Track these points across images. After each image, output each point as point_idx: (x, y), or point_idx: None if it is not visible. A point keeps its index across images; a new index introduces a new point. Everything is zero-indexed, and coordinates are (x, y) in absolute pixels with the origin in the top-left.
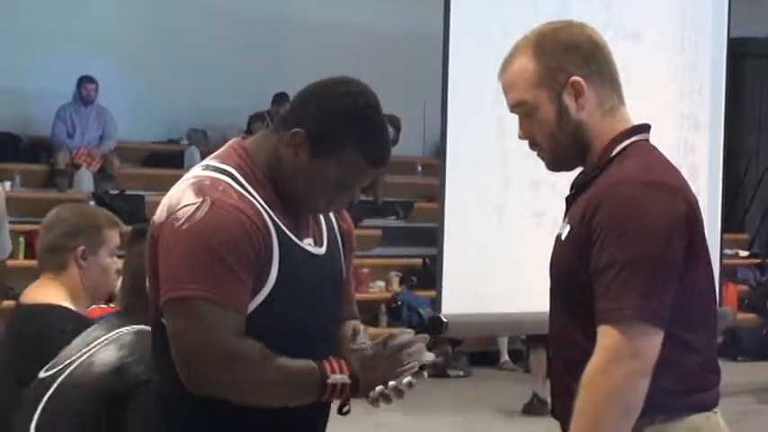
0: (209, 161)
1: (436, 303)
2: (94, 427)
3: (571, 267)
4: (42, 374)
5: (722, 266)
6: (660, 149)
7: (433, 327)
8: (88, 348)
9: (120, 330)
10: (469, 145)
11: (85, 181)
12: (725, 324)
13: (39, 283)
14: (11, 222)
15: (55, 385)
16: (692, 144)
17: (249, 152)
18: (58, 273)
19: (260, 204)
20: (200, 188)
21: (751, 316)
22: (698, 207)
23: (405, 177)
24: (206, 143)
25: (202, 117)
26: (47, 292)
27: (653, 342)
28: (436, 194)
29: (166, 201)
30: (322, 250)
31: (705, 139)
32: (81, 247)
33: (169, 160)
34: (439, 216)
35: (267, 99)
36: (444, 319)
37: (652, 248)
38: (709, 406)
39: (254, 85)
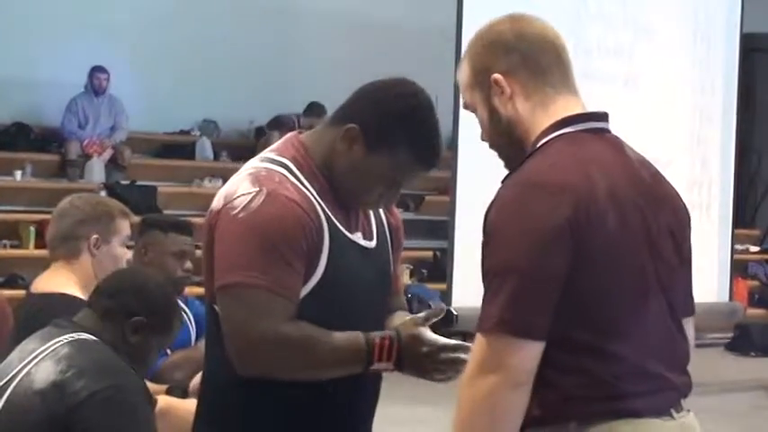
0: (266, 153)
1: (447, 296)
2: None
3: (482, 271)
4: None
5: (733, 262)
6: (670, 142)
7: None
8: (24, 364)
9: (54, 341)
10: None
11: (96, 171)
12: (735, 319)
13: (50, 271)
14: (22, 212)
15: (1, 403)
16: (704, 138)
17: (306, 145)
18: (70, 261)
19: (313, 197)
20: (256, 178)
21: (761, 311)
22: (613, 204)
23: None
24: (217, 134)
25: (214, 108)
26: (58, 281)
27: (520, 353)
28: (447, 187)
29: (224, 190)
30: (372, 244)
31: (717, 134)
32: (94, 236)
33: (180, 151)
34: (450, 209)
35: (278, 92)
36: (455, 312)
37: (521, 257)
38: (634, 413)
39: (265, 77)
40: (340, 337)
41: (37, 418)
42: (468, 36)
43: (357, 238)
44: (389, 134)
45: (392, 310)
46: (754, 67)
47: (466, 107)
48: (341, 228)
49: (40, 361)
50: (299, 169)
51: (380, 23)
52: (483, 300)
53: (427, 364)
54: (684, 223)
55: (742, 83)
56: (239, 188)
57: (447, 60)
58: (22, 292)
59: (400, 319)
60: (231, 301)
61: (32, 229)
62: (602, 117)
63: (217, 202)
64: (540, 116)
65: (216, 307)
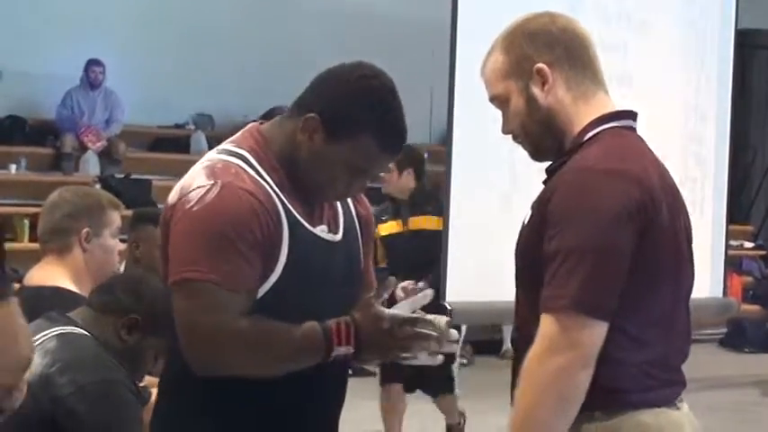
0: (224, 145)
1: (440, 290)
2: None
3: (530, 254)
4: None
5: (727, 258)
6: (665, 138)
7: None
8: None
9: (43, 334)
10: (476, 133)
11: (91, 164)
12: (729, 315)
13: (42, 265)
14: (17, 205)
15: None
16: (698, 135)
17: (265, 137)
18: (62, 255)
19: (272, 189)
20: (212, 171)
21: (755, 307)
22: (665, 197)
23: None
24: (212, 128)
25: (209, 102)
26: (51, 275)
27: (592, 333)
28: (442, 182)
29: (180, 183)
30: (337, 237)
31: (712, 130)
32: (85, 230)
33: (175, 145)
34: (444, 203)
35: (273, 85)
36: (449, 307)
37: (597, 238)
38: (657, 403)
39: (260, 71)
40: (295, 328)
41: (25, 411)
42: (464, 30)
43: (320, 231)
44: (350, 120)
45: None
46: (749, 62)
47: (494, 98)
48: (302, 220)
49: None
50: (257, 161)
51: (376, 17)
52: (551, 280)
53: (389, 341)
54: (692, 232)
55: (737, 79)
56: (195, 181)
57: (442, 55)
58: (16, 286)
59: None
60: (182, 297)
61: (27, 222)
62: (635, 116)
63: (173, 196)
64: (583, 108)
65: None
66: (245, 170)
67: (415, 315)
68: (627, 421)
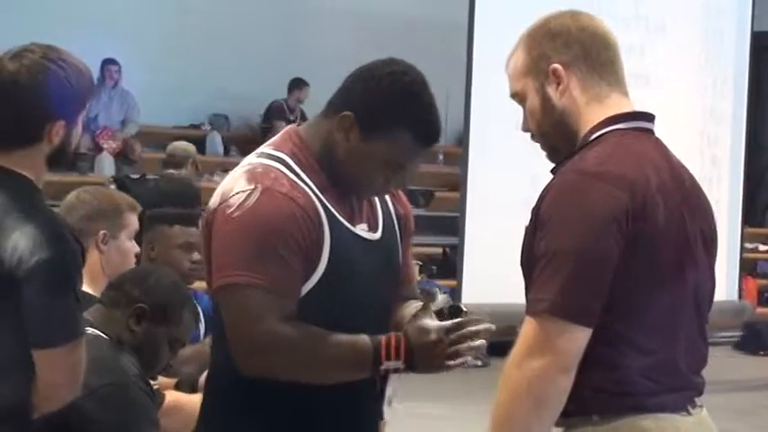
0: (263, 148)
1: (456, 292)
2: None
3: (528, 256)
4: None
5: (742, 260)
6: (681, 140)
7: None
8: None
9: None
10: (492, 134)
11: (107, 165)
12: (744, 318)
13: None
14: None
15: None
16: (714, 137)
17: (303, 138)
18: None
19: (312, 191)
20: (252, 175)
21: None
22: (665, 200)
23: (426, 166)
24: (228, 128)
25: (225, 102)
26: None
27: (570, 338)
28: (458, 183)
29: (220, 188)
30: (377, 235)
31: (727, 133)
32: (102, 232)
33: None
34: (460, 205)
35: (288, 86)
36: (464, 309)
37: (581, 241)
38: (661, 408)
39: (276, 71)
40: (344, 337)
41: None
42: (481, 32)
43: (361, 230)
44: (384, 116)
45: (403, 299)
46: (765, 65)
47: (513, 96)
48: (342, 221)
49: None
50: (296, 163)
51: (392, 17)
52: (534, 282)
53: (439, 352)
54: (715, 235)
55: (752, 81)
56: (235, 186)
57: (459, 56)
58: None
59: (413, 307)
60: (228, 301)
61: None
62: (651, 118)
63: (214, 200)
64: (595, 109)
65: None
66: (284, 174)
67: (459, 319)
68: (625, 426)
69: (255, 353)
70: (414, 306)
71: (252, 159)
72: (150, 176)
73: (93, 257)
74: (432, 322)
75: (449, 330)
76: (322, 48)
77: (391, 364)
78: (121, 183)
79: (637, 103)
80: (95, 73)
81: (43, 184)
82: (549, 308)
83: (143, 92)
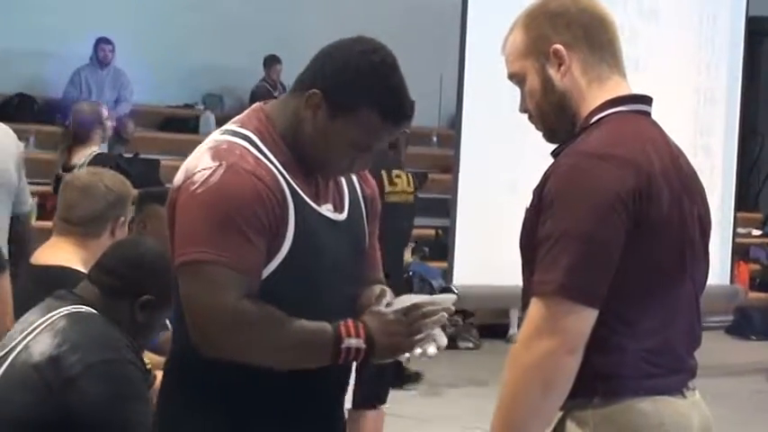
0: (228, 126)
1: (448, 274)
2: (43, 423)
3: (530, 238)
4: None
5: (735, 245)
6: (674, 124)
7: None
8: (24, 335)
9: (52, 314)
10: (485, 117)
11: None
12: (736, 303)
13: (54, 244)
14: None
15: (0, 373)
16: (707, 121)
17: (270, 116)
18: (87, 239)
19: (277, 169)
20: (216, 152)
21: (763, 295)
22: (667, 184)
23: (420, 148)
24: (222, 108)
25: (219, 82)
26: (63, 255)
27: (578, 319)
28: (451, 166)
29: (185, 165)
30: (342, 216)
31: (721, 117)
32: (122, 218)
33: (184, 125)
34: (453, 187)
35: (282, 67)
36: (456, 291)
37: (587, 223)
38: (659, 391)
39: (271, 53)
40: (305, 320)
41: (34, 391)
42: (473, 15)
43: (326, 210)
44: (353, 95)
45: (368, 283)
46: (759, 50)
47: (511, 77)
48: (308, 200)
49: (38, 334)
50: (262, 141)
51: (387, 1)
52: (540, 264)
53: (400, 330)
54: (710, 220)
55: (747, 66)
56: (199, 163)
57: (452, 40)
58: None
59: (374, 293)
60: (188, 278)
61: (34, 201)
62: (649, 101)
63: (178, 178)
64: (596, 91)
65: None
66: (249, 151)
67: (418, 300)
68: (625, 408)
69: (215, 330)
70: (379, 290)
71: (216, 136)
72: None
73: (102, 242)
74: (387, 308)
75: (410, 308)
76: (316, 30)
77: (353, 342)
78: (114, 161)
79: (631, 86)
80: (89, 52)
81: (36, 162)
82: (557, 289)
83: (136, 71)
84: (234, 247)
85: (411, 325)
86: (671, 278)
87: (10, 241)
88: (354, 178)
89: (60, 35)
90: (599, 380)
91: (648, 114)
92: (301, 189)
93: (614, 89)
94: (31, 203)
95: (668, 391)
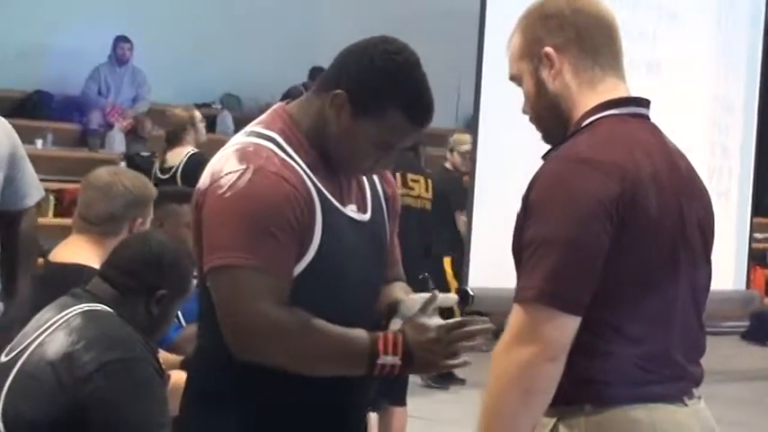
0: (252, 127)
1: (464, 276)
2: (57, 421)
3: (518, 244)
4: (4, 358)
5: (751, 250)
6: (690, 129)
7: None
8: (39, 333)
9: (68, 312)
10: (502, 119)
11: (117, 142)
12: (752, 308)
13: (72, 242)
14: (42, 180)
15: (14, 371)
16: (724, 125)
17: (293, 117)
18: (105, 238)
19: (303, 170)
20: (243, 155)
21: None
22: (657, 187)
23: (437, 149)
24: (239, 108)
25: (236, 82)
26: (81, 253)
27: (558, 326)
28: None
29: (210, 168)
30: (366, 216)
31: (738, 121)
32: (139, 219)
33: None
34: (469, 189)
35: (301, 67)
36: (471, 293)
37: (567, 229)
38: (654, 398)
39: (289, 54)
40: (340, 327)
41: (48, 388)
42: (492, 17)
43: (351, 211)
44: (377, 95)
45: (389, 281)
46: None
47: (512, 78)
48: (333, 201)
49: (53, 331)
50: (287, 142)
51: (405, 4)
52: (522, 270)
53: (437, 350)
54: (712, 223)
55: (765, 70)
56: (226, 166)
57: (470, 42)
58: (39, 261)
59: (399, 290)
60: (221, 283)
61: (52, 197)
62: (646, 104)
63: (203, 181)
64: (587, 94)
65: (208, 285)
66: (275, 153)
67: (460, 318)
68: (616, 416)
69: (249, 335)
70: (399, 287)
71: (241, 138)
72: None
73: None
74: (430, 320)
75: (449, 329)
76: (334, 33)
77: (388, 359)
78: (132, 160)
79: (647, 90)
80: (107, 50)
81: (54, 159)
82: (536, 296)
83: (154, 70)
84: (265, 250)
85: (451, 344)
86: (661, 283)
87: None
88: (375, 177)
89: (79, 33)
90: (589, 386)
91: (644, 117)
92: (327, 190)
93: (608, 92)
94: (37, 197)
95: (665, 399)
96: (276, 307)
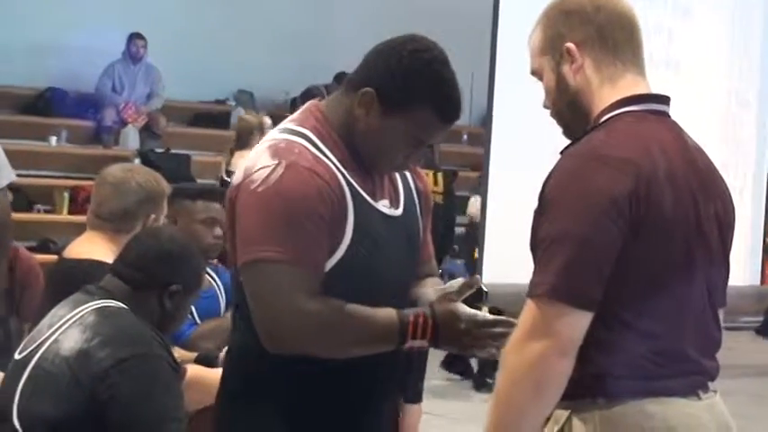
0: (286, 124)
1: (477, 273)
2: (73, 418)
3: (534, 240)
4: (17, 356)
5: (765, 246)
6: (704, 125)
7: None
8: (53, 330)
9: (82, 308)
10: (515, 115)
11: (131, 138)
12: (765, 303)
13: (87, 239)
14: (56, 177)
15: (29, 368)
16: (739, 121)
17: (325, 114)
18: (118, 234)
19: (335, 166)
20: (275, 151)
21: None
22: (672, 185)
23: (450, 146)
24: (253, 105)
25: (250, 79)
26: (95, 250)
27: (570, 321)
28: (481, 164)
29: (244, 163)
30: (398, 212)
31: (753, 117)
32: (153, 215)
33: (215, 120)
34: (483, 185)
35: (314, 63)
36: (485, 289)
37: (581, 225)
38: (667, 392)
39: (302, 50)
40: (371, 312)
41: (64, 385)
42: (505, 15)
43: (383, 206)
44: (406, 93)
45: (422, 276)
46: None
47: (533, 73)
48: (365, 196)
49: (67, 328)
50: (319, 139)
51: (418, 1)
52: (536, 266)
53: (466, 341)
54: (731, 219)
55: None
56: (258, 161)
57: (484, 39)
58: (53, 257)
59: (431, 286)
60: (255, 277)
61: (66, 194)
62: (666, 100)
63: (237, 177)
64: (607, 91)
65: (241, 279)
66: (308, 149)
67: (493, 317)
68: (629, 409)
69: (285, 329)
70: (431, 282)
71: (275, 135)
72: (174, 151)
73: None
74: (464, 308)
75: (481, 325)
76: (347, 28)
77: (416, 343)
78: (146, 156)
79: (662, 86)
80: (121, 47)
81: (67, 156)
82: (548, 291)
83: (168, 66)
84: (297, 244)
85: (478, 339)
86: (675, 280)
87: None
88: (408, 173)
89: (93, 30)
90: (603, 380)
91: (664, 114)
92: (359, 185)
93: (627, 88)
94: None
95: (678, 393)
96: (309, 299)
